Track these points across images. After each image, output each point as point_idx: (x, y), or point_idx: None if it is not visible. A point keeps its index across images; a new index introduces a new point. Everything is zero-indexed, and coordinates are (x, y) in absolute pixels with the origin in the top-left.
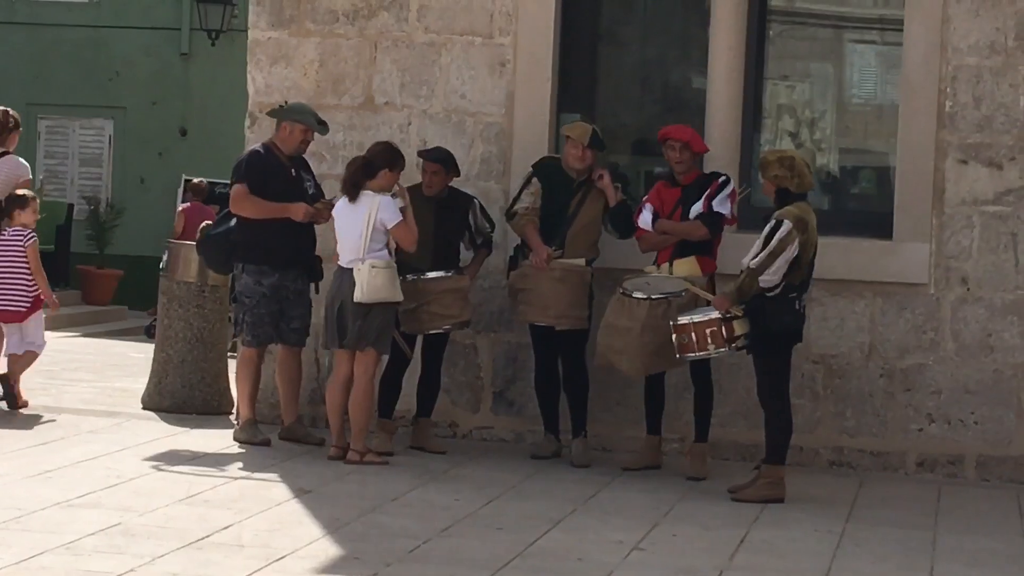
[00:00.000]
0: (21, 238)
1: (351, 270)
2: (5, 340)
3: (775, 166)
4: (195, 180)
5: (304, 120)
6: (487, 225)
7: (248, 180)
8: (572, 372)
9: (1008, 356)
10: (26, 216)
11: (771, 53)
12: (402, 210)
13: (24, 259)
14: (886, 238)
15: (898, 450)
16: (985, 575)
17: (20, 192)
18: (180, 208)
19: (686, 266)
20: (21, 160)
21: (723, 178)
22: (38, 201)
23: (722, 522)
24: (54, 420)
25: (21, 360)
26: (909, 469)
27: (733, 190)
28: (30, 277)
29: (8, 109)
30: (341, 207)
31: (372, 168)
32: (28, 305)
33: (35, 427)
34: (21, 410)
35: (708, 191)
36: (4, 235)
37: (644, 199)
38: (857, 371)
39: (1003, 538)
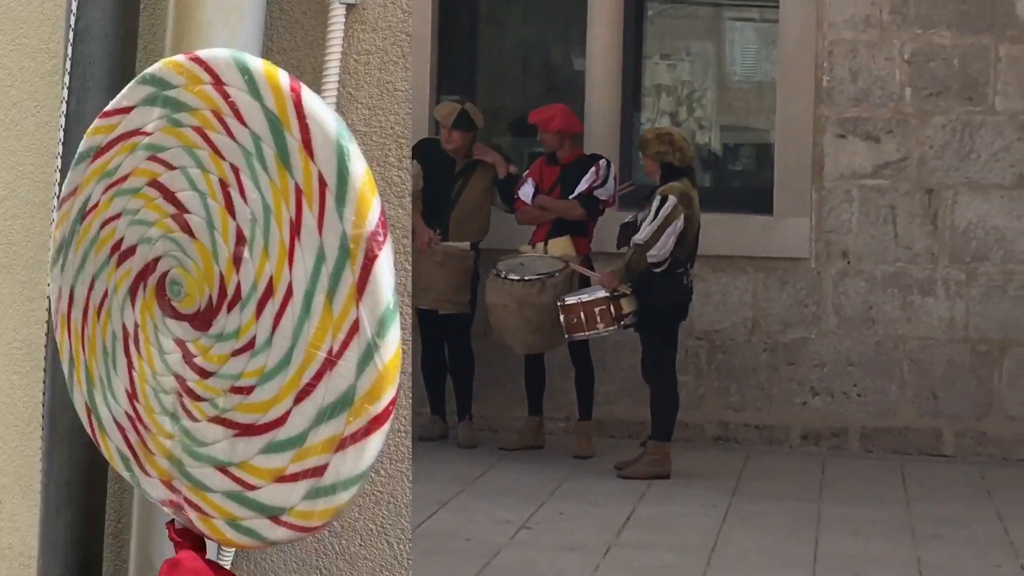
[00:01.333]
0: None
1: None
2: None
3: (655, 143)
4: None
5: None
6: None
7: None
8: (457, 355)
9: (889, 328)
10: None
11: (650, 32)
12: None
13: None
14: (767, 214)
15: (782, 424)
16: (870, 544)
17: None
18: None
19: (561, 245)
20: None
21: (603, 161)
22: None
23: (609, 499)
24: None
25: None
26: (794, 442)
27: (613, 174)
28: None
29: None
30: None
31: None
32: None
33: None
34: None
35: (592, 177)
36: None
37: (526, 173)
38: (740, 346)
39: (887, 508)
